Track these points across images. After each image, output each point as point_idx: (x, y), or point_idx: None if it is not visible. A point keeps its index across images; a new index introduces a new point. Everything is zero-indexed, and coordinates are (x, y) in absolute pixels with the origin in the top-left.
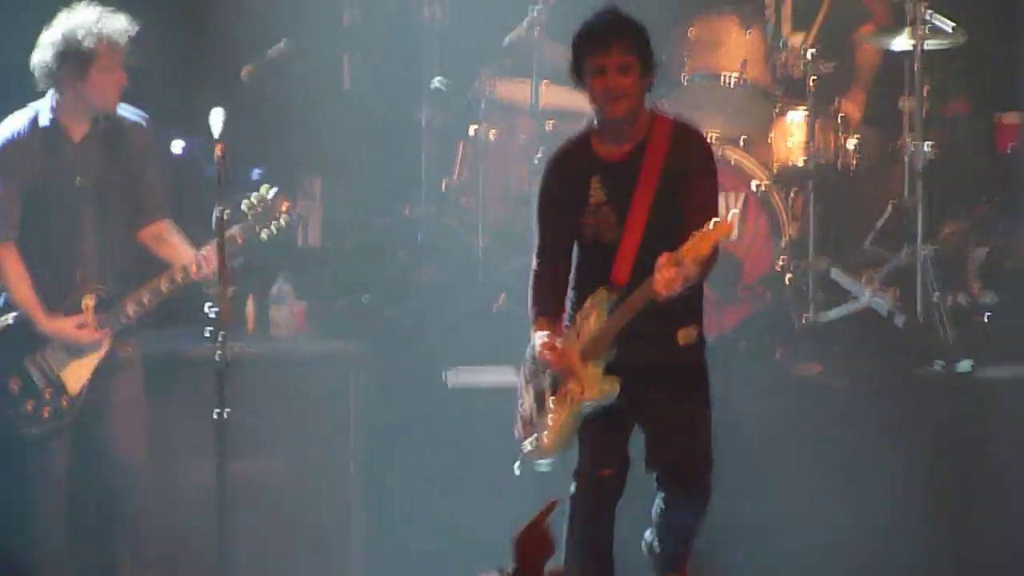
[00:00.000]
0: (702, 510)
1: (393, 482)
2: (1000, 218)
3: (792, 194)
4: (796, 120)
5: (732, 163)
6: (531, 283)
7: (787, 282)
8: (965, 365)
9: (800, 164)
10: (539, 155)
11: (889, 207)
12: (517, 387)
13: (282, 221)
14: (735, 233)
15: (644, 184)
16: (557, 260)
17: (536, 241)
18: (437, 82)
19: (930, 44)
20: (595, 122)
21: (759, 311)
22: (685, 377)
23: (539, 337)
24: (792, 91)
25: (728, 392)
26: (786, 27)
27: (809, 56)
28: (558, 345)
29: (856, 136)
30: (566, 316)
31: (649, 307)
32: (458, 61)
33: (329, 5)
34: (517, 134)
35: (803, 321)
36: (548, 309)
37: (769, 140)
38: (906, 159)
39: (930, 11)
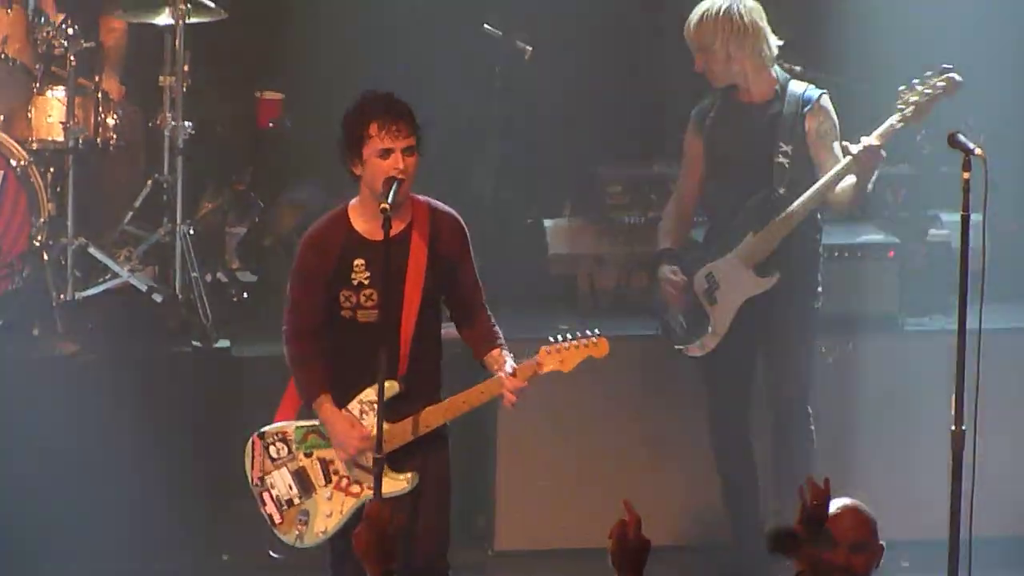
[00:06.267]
0: None
1: None
2: (259, 195)
3: (51, 172)
4: (56, 97)
5: None
6: (298, 363)
7: (45, 260)
8: (223, 342)
9: (59, 141)
10: None
11: (148, 184)
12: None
13: None
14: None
15: (414, 269)
16: (318, 340)
17: (292, 319)
18: None
19: (192, 19)
20: (355, 202)
21: (17, 288)
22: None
23: (339, 420)
24: (52, 68)
25: None
26: (49, 5)
27: (69, 33)
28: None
29: (115, 114)
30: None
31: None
32: None
33: None
34: None
35: (61, 299)
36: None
37: (29, 117)
38: (166, 136)
39: None
